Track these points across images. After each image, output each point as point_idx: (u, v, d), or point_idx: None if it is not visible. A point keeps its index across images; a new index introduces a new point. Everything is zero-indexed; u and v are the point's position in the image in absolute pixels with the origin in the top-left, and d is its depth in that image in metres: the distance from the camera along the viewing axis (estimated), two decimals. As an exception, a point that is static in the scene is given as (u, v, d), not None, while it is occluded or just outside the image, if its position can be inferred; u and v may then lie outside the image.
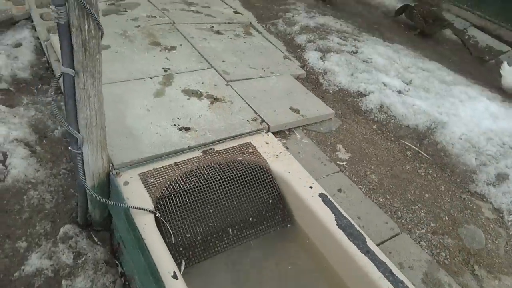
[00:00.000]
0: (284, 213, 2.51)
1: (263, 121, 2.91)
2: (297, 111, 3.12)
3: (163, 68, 3.26)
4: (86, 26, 1.63)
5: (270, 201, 2.53)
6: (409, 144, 3.26)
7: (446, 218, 2.59)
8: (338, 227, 2.26)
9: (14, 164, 2.58)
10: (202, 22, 4.20)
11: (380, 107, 3.57)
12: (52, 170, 2.68)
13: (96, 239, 2.42)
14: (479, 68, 5.12)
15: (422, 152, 3.20)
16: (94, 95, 1.86)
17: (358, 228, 2.27)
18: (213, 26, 4.19)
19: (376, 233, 2.36)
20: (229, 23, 4.38)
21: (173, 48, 3.59)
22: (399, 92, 3.85)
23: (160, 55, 3.43)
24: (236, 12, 4.72)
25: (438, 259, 2.30)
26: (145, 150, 2.44)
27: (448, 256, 2.34)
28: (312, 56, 4.10)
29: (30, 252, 2.23)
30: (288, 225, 2.51)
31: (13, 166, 2.57)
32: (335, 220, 2.30)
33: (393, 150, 3.13)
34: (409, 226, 2.48)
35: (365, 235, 2.24)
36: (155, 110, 2.78)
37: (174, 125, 2.69)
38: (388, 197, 2.65)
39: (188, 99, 2.97)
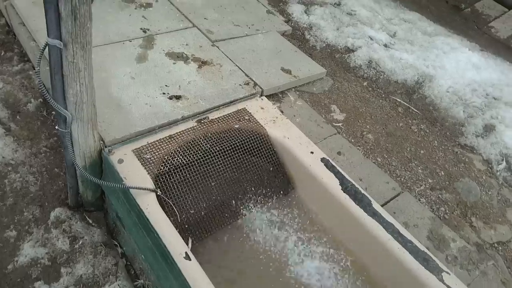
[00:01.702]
0: (286, 180, 2.46)
1: (256, 84, 2.77)
2: (288, 71, 2.99)
3: (141, 29, 2.99)
4: (75, -9, 1.41)
5: (271, 168, 2.47)
6: (399, 100, 3.24)
7: (442, 173, 2.64)
8: (344, 191, 2.24)
9: (-11, 146, 2.35)
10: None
11: (369, 62, 3.49)
12: (31, 149, 2.48)
13: (90, 221, 2.30)
14: (455, 17, 5.09)
15: (412, 108, 3.19)
16: (85, 68, 1.67)
17: (363, 191, 2.26)
18: (188, -21, 3.85)
19: (379, 194, 2.37)
20: (204, -25, 4.05)
21: (148, 4, 3.28)
22: (386, 46, 3.77)
23: (136, 14, 3.13)
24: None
25: (438, 215, 2.36)
26: (137, 124, 2.27)
27: (447, 211, 2.41)
28: (296, 10, 3.90)
29: (21, 241, 2.09)
30: (290, 192, 2.48)
31: (-12, 148, 2.34)
32: (339, 184, 2.27)
33: (385, 108, 3.10)
34: (409, 184, 2.51)
35: (370, 197, 2.23)
36: (140, 78, 2.57)
37: (164, 93, 2.51)
38: (386, 156, 2.65)
39: (174, 63, 2.76)
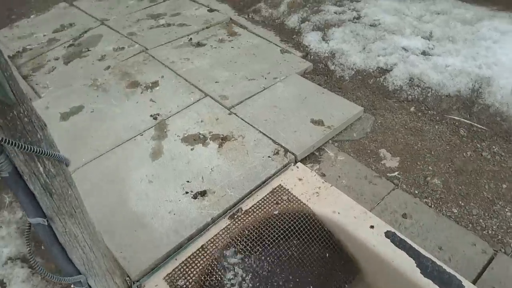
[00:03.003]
0: (348, 266, 2.06)
1: (286, 151, 2.40)
2: (320, 122, 2.60)
3: (151, 115, 2.74)
4: (41, 169, 1.16)
5: (327, 254, 2.07)
6: (457, 118, 2.72)
7: (540, 210, 2.10)
8: (424, 275, 1.80)
9: (17, 295, 2.16)
10: (177, 37, 3.61)
11: (410, 80, 3.01)
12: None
13: None
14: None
15: (476, 124, 2.67)
16: (81, 232, 1.40)
17: (448, 269, 1.80)
18: (191, 38, 3.59)
19: (467, 263, 1.89)
20: (207, 27, 3.77)
21: (154, 84, 3.04)
22: (424, 53, 3.26)
23: (143, 98, 2.90)
24: (211, 10, 4.09)
25: (552, 275, 1.84)
26: (163, 241, 1.98)
27: (562, 266, 1.88)
28: (312, 39, 3.50)
29: None
30: (356, 279, 2.06)
31: (17, 299, 2.15)
32: (417, 266, 1.83)
33: (444, 134, 2.60)
34: (500, 237, 2.00)
35: (459, 277, 1.77)
36: (158, 180, 2.29)
37: (187, 192, 2.21)
38: (462, 204, 2.17)
39: (192, 149, 2.47)
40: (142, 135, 2.60)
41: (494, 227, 2.04)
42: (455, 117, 2.74)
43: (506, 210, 2.13)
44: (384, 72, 3.12)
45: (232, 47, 3.45)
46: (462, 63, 3.09)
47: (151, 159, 2.42)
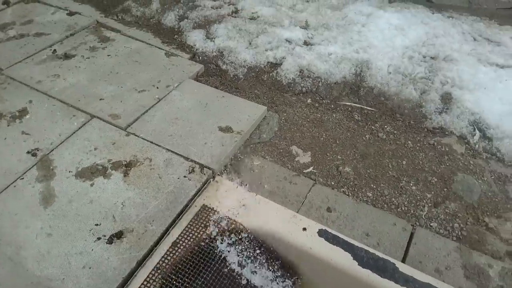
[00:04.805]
0: (291, 275, 2.03)
1: (202, 166, 2.24)
2: (229, 129, 2.49)
3: (28, 152, 2.27)
4: None
5: (275, 268, 2.01)
6: (349, 104, 2.90)
7: (435, 179, 2.38)
8: (362, 266, 1.88)
9: None
10: (37, 50, 3.05)
11: (300, 72, 3.09)
12: None
13: None
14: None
15: (365, 107, 2.88)
16: None
17: (380, 254, 1.91)
18: (55, 50, 3.07)
19: (393, 244, 2.04)
20: (71, 34, 3.28)
21: (22, 112, 2.52)
22: (306, 43, 3.38)
23: (12, 132, 2.38)
24: (70, 14, 3.55)
25: (457, 235, 2.11)
26: (85, 306, 1.67)
27: (461, 225, 2.16)
28: (196, 39, 3.33)
29: None
30: (295, 285, 2.05)
31: None
32: (353, 259, 1.90)
33: (342, 121, 2.75)
34: (412, 211, 2.21)
35: (391, 259, 1.90)
36: (59, 229, 1.92)
37: (99, 238, 1.90)
38: (374, 186, 2.32)
39: (91, 185, 2.12)
40: (22, 178, 2.13)
41: (405, 203, 2.24)
42: (347, 103, 2.91)
43: (411, 184, 2.35)
44: (275, 67, 3.14)
45: (108, 55, 3.06)
46: (342, 50, 3.30)
47: (43, 207, 2.01)
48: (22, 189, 2.08)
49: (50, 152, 2.27)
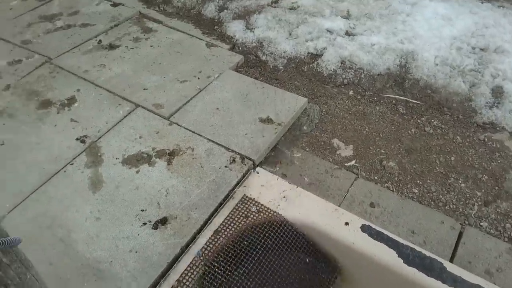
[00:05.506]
0: (329, 269, 2.01)
1: (243, 157, 2.25)
2: (269, 120, 2.48)
3: (77, 138, 2.36)
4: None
5: (307, 260, 2.00)
6: (393, 96, 2.82)
7: (485, 177, 2.28)
8: (408, 264, 1.83)
9: None
10: (83, 40, 3.14)
11: (342, 63, 3.02)
12: None
13: None
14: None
15: (411, 100, 2.79)
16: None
17: (427, 252, 1.85)
18: (100, 40, 3.16)
19: (441, 243, 1.98)
20: (116, 25, 3.35)
21: (71, 100, 2.61)
22: (348, 34, 3.30)
23: (62, 120, 2.47)
24: (114, 5, 3.64)
25: (509, 236, 2.01)
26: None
27: (514, 225, 2.06)
28: (236, 29, 3.32)
29: None
30: (337, 279, 2.03)
31: None
32: (398, 256, 1.85)
33: (386, 114, 2.67)
34: (461, 210, 2.12)
35: (439, 259, 1.83)
36: (107, 214, 1.98)
37: (144, 223, 1.95)
38: (420, 182, 2.25)
39: (137, 172, 2.17)
40: (72, 164, 2.22)
41: (453, 200, 2.16)
42: (391, 95, 2.83)
43: (460, 181, 2.26)
44: (315, 58, 3.09)
45: (151, 46, 3.11)
46: (386, 40, 3.19)
47: (92, 192, 2.08)
48: (72, 174, 2.17)
49: (98, 139, 2.35)
